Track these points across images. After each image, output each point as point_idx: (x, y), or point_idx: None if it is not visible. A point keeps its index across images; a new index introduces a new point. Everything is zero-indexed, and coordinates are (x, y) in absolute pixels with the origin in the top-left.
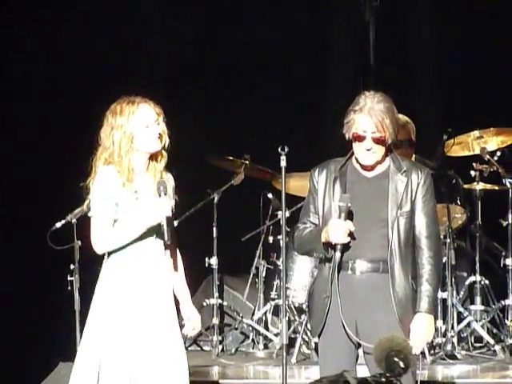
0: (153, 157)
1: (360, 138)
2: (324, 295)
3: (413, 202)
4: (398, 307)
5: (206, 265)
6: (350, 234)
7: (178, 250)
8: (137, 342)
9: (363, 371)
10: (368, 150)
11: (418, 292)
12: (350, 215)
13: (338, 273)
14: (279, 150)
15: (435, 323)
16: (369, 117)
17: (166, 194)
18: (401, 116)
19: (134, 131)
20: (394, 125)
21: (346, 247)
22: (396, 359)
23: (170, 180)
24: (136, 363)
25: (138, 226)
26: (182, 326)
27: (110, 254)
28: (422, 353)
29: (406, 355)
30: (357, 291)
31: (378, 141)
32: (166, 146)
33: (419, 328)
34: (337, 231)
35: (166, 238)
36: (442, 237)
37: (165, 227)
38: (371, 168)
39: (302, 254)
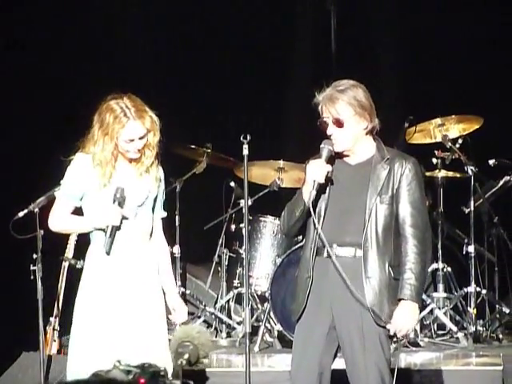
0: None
1: (323, 126)
2: (306, 275)
3: (396, 190)
4: (370, 294)
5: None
6: (326, 181)
7: (164, 239)
8: (120, 329)
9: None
10: (330, 135)
11: (400, 280)
12: (331, 201)
13: (316, 255)
14: (241, 138)
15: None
16: (328, 103)
17: (120, 203)
18: None
19: (118, 140)
20: (363, 110)
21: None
22: (183, 350)
23: (158, 174)
24: (120, 350)
25: (85, 224)
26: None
27: (91, 241)
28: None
29: (195, 348)
30: (332, 276)
31: (337, 126)
32: (153, 151)
33: (401, 315)
34: (316, 169)
35: (105, 247)
36: None
37: (107, 236)
38: (353, 155)
39: (289, 225)
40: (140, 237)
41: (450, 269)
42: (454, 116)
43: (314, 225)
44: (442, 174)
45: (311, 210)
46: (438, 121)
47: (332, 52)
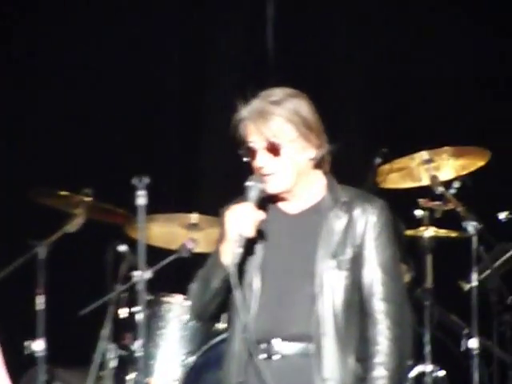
0: None
1: (249, 155)
2: (235, 381)
3: (358, 247)
4: None
5: (27, 352)
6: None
7: None
8: None
9: None
10: (261, 168)
11: (368, 380)
12: (265, 271)
13: (250, 353)
14: (134, 181)
15: None
16: (257, 121)
17: None
18: None
19: None
20: (308, 130)
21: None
22: None
23: None
24: None
25: None
26: None
27: None
28: None
29: None
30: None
31: (272, 153)
32: None
33: None
34: (241, 217)
35: None
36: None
37: None
38: (294, 199)
39: (202, 304)
40: None
41: (442, 372)
42: (447, 148)
43: (248, 303)
44: (430, 232)
45: (235, 279)
46: (425, 155)
47: (268, 60)
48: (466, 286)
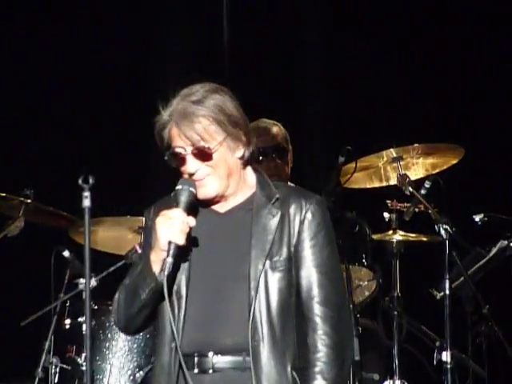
0: None
1: (176, 159)
2: None
3: (294, 247)
4: None
5: None
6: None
7: None
8: None
9: None
10: (192, 174)
11: None
12: (194, 277)
13: (180, 367)
14: (80, 181)
15: None
16: (181, 124)
17: None
18: (266, 120)
19: None
20: (236, 127)
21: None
22: None
23: None
24: None
25: None
26: None
27: None
28: None
29: None
30: None
31: (202, 159)
32: None
33: None
34: (171, 224)
35: None
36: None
37: None
38: (221, 199)
39: (128, 316)
40: None
41: None
42: (417, 145)
43: (175, 312)
44: (398, 236)
45: (166, 290)
46: (393, 153)
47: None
48: (438, 295)
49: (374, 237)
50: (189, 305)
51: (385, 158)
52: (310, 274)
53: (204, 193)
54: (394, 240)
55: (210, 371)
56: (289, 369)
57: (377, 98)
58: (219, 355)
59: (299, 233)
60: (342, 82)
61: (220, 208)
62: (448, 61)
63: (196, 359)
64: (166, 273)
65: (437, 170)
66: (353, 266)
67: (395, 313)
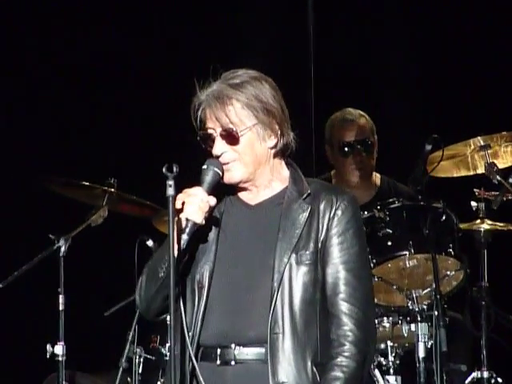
0: None
1: (207, 140)
2: None
3: (322, 243)
4: None
5: (48, 355)
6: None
7: None
8: None
9: None
10: (218, 156)
11: (323, 380)
12: (218, 266)
13: (202, 359)
14: (164, 170)
15: None
16: (214, 105)
17: None
18: (352, 111)
19: None
20: (269, 117)
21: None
22: None
23: None
24: None
25: None
26: None
27: None
28: None
29: None
30: None
31: (229, 142)
32: None
33: None
34: (191, 200)
35: None
36: (415, 306)
37: None
38: (254, 189)
39: (148, 297)
40: None
41: (499, 380)
42: (505, 133)
43: (195, 302)
44: (486, 226)
45: (177, 266)
46: (480, 141)
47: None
48: None
49: (462, 226)
50: (211, 296)
51: (472, 147)
52: (336, 271)
53: (228, 177)
54: (482, 229)
55: (233, 363)
56: (309, 364)
57: (465, 85)
58: (242, 347)
59: (328, 229)
60: (430, 69)
61: (251, 200)
62: None
63: (219, 351)
64: (180, 248)
65: None
66: (440, 255)
67: (483, 303)
